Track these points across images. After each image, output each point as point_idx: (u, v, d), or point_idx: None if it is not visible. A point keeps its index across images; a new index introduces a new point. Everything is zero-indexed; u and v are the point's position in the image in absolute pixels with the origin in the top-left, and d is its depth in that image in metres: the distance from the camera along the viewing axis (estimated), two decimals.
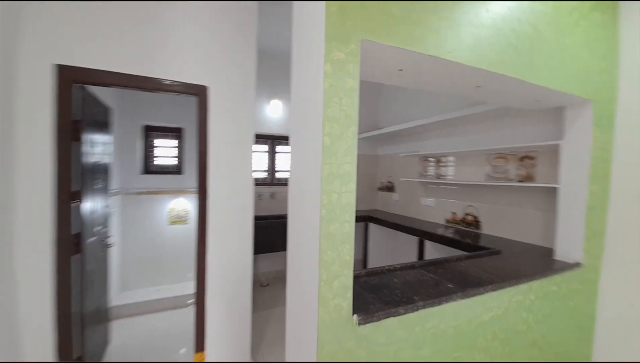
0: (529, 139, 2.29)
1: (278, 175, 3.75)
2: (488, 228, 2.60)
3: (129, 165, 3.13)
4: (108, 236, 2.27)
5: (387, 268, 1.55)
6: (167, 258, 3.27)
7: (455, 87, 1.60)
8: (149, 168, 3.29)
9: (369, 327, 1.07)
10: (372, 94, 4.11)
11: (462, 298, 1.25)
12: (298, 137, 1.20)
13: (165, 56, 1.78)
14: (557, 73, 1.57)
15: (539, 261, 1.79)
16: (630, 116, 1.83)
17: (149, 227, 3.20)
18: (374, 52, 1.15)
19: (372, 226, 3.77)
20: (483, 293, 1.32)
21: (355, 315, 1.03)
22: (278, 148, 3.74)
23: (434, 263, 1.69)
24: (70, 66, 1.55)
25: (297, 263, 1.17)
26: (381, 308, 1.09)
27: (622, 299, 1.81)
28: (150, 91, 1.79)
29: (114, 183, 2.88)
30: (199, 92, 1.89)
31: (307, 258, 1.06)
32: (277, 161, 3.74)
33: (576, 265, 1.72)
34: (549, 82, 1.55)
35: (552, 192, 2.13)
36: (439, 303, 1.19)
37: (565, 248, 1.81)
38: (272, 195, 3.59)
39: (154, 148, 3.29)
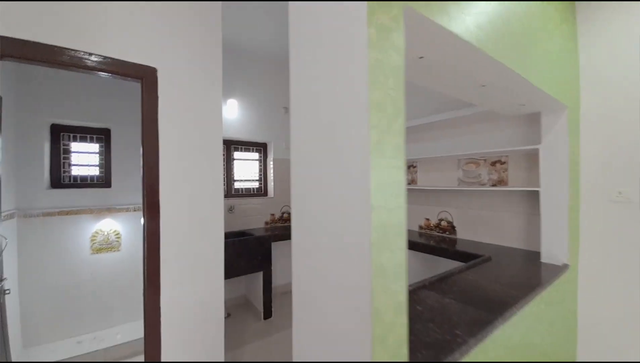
0: (497, 145, 2.34)
1: (237, 185, 3.27)
2: (464, 233, 2.60)
3: (31, 177, 2.32)
4: (1, 280, 1.56)
5: None
6: (89, 298, 2.51)
7: (460, 85, 1.48)
8: (62, 180, 2.50)
9: None
10: None
11: (502, 323, 1.08)
12: (312, 133, 0.88)
13: (93, 22, 1.28)
14: (545, 76, 1.57)
15: (533, 266, 1.76)
16: (590, 121, 1.98)
17: (62, 259, 2.41)
18: (406, 28, 0.91)
19: None
20: (516, 312, 1.17)
21: None
22: (236, 155, 3.27)
23: (442, 278, 1.52)
24: None
25: (319, 315, 0.83)
26: (433, 357, 0.84)
27: (597, 292, 1.90)
28: (66, 68, 1.26)
29: (8, 201, 2.08)
30: (144, 75, 1.41)
31: (345, 307, 0.74)
32: (235, 170, 3.25)
33: (565, 267, 1.74)
34: (540, 84, 1.53)
35: (525, 195, 2.20)
36: (486, 336, 0.99)
37: (551, 250, 1.83)
38: (231, 209, 3.09)
39: (70, 154, 2.52)
